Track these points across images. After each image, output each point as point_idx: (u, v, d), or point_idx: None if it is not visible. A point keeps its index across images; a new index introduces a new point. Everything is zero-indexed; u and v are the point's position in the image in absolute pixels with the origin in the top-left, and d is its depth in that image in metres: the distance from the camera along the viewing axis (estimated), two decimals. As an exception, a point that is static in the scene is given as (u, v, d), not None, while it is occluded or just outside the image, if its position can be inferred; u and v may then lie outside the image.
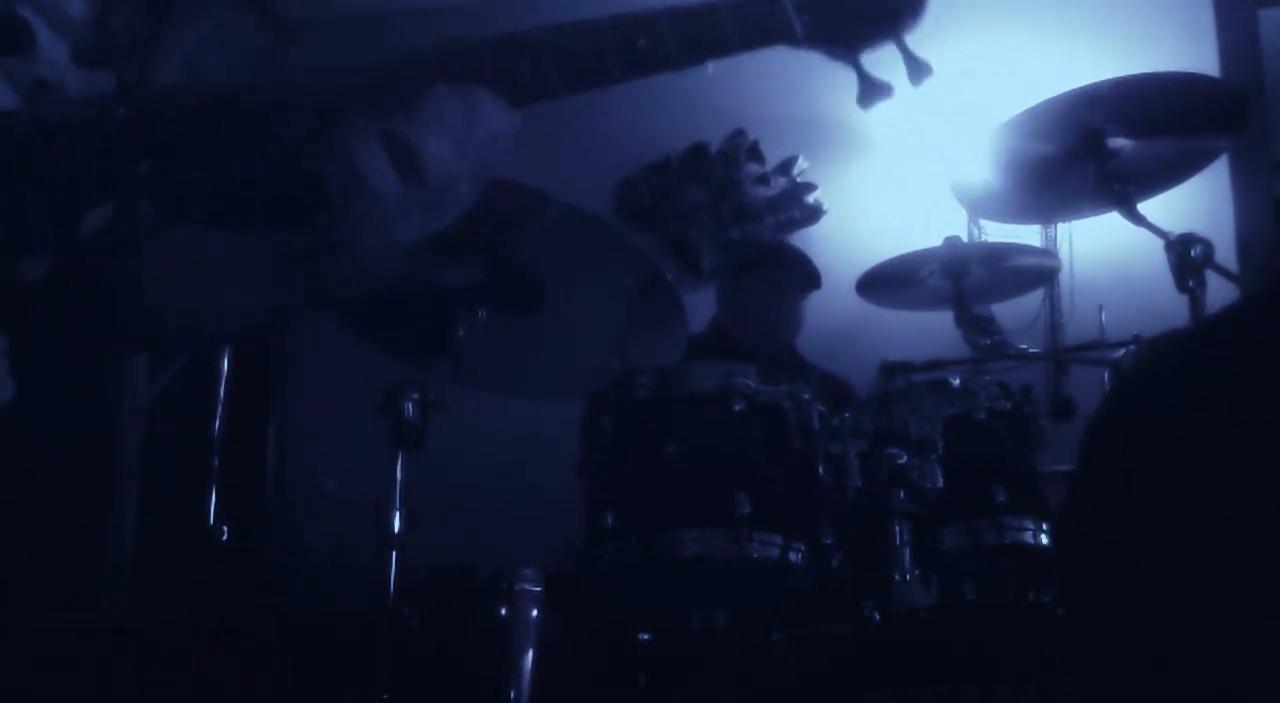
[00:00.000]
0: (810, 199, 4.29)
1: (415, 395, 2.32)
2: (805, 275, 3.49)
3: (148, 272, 1.05)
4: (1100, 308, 3.33)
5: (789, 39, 0.96)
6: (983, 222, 3.64)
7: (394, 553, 2.29)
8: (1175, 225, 2.43)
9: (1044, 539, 2.17)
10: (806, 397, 2.12)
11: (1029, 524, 2.16)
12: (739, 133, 4.36)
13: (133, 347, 1.24)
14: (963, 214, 3.55)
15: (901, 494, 2.11)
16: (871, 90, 1.00)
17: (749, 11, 0.95)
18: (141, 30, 1.09)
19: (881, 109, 1.03)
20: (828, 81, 4.17)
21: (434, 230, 0.97)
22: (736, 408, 2.06)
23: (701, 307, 3.52)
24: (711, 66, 0.96)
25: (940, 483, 2.12)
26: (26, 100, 0.98)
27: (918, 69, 1.00)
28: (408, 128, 0.91)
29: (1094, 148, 2.53)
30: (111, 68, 1.05)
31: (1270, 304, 0.73)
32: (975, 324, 2.57)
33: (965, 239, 3.12)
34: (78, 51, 1.03)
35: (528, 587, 2.23)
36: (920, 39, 1.02)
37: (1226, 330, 0.75)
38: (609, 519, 2.04)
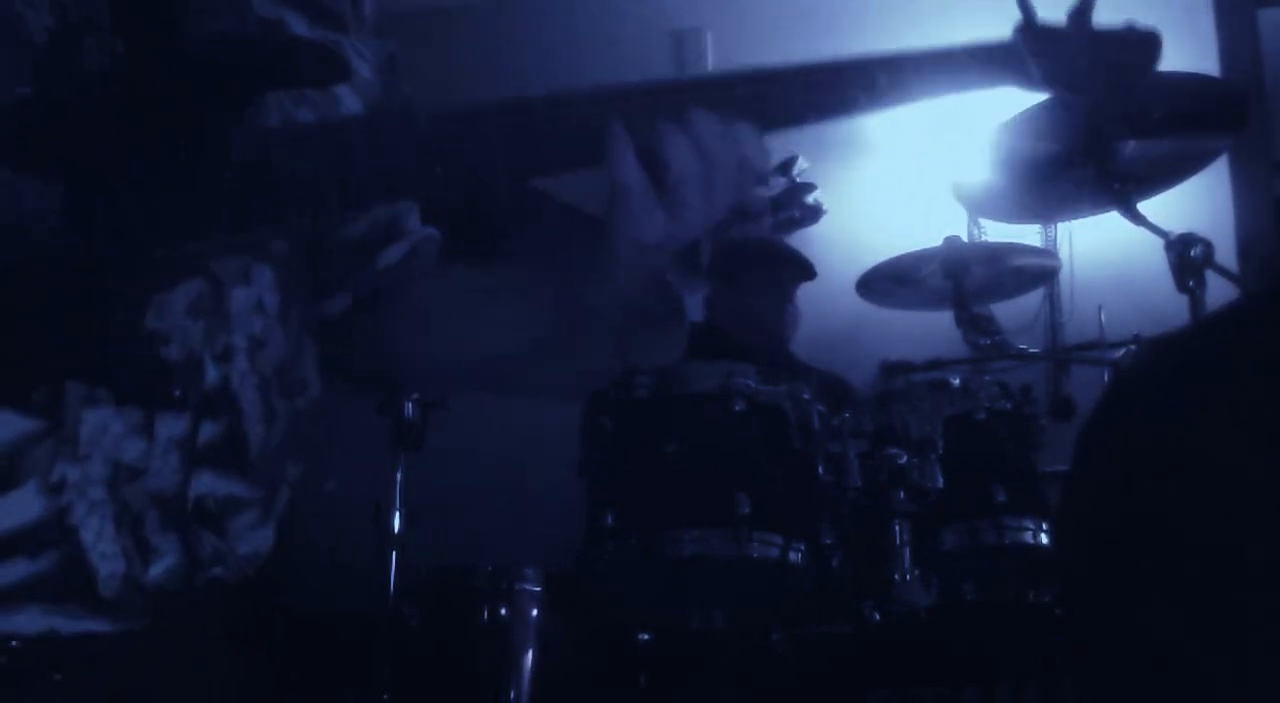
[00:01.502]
0: (810, 199, 4.28)
1: (415, 395, 2.32)
2: (797, 267, 3.47)
3: (429, 308, 1.12)
4: (1100, 308, 3.33)
5: (1024, 82, 1.04)
6: (983, 222, 3.64)
7: (394, 553, 2.29)
8: (1175, 225, 2.43)
9: (1044, 539, 2.16)
10: (806, 397, 2.12)
11: (1029, 524, 2.16)
12: (739, 133, 4.35)
13: (413, 384, 1.30)
14: (963, 214, 3.55)
15: (901, 494, 2.11)
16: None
17: (989, 53, 1.03)
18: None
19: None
20: (828, 81, 4.18)
21: (677, 243, 1.02)
22: (736, 408, 2.06)
23: (701, 306, 3.52)
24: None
25: (940, 483, 2.12)
26: None
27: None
28: (658, 134, 0.95)
29: (1094, 148, 2.53)
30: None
31: (1270, 304, 0.73)
32: (975, 324, 2.57)
33: (965, 239, 3.12)
34: (368, 105, 1.08)
35: (528, 587, 2.23)
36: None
37: (1226, 330, 0.75)
38: (609, 519, 2.04)
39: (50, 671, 0.88)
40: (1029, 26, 1.02)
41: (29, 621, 0.86)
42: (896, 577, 2.09)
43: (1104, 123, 2.38)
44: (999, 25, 1.06)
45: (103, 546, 0.89)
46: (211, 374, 0.96)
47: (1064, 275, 3.55)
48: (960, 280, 2.65)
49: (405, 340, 1.14)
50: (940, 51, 1.02)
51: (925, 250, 2.75)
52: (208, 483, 0.97)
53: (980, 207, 3.05)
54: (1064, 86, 1.03)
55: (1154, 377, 0.76)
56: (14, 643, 0.86)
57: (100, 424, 0.89)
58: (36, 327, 0.87)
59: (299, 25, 1.04)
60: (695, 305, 2.95)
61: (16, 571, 0.85)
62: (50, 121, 0.88)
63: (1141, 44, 1.04)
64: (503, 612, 2.20)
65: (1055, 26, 1.03)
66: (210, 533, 0.98)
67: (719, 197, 0.99)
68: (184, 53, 0.91)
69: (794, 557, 2.01)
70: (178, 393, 0.93)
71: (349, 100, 1.06)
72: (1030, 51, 1.02)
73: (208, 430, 0.96)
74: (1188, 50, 3.90)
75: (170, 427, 0.93)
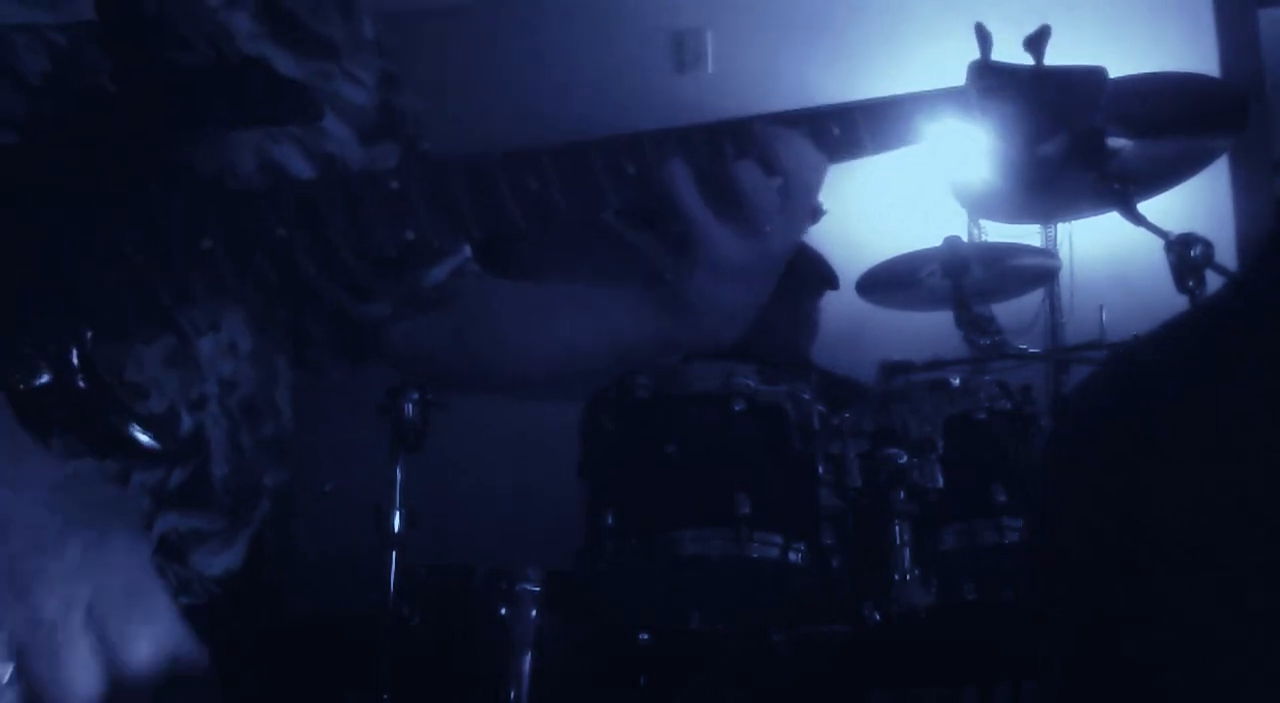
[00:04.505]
0: (810, 199, 4.28)
1: (415, 395, 2.32)
2: (816, 275, 3.43)
3: (508, 315, 1.13)
4: (1100, 308, 3.32)
5: (972, 119, 1.01)
6: (983, 222, 3.64)
7: (394, 553, 2.29)
8: (1175, 225, 2.43)
9: (1044, 539, 2.16)
10: (806, 397, 2.12)
11: (1029, 524, 2.16)
12: (739, 133, 4.36)
13: (497, 388, 1.29)
14: (963, 214, 3.55)
15: (901, 494, 2.11)
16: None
17: (935, 103, 1.01)
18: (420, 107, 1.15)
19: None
20: (828, 81, 4.18)
21: (771, 265, 1.01)
22: (736, 408, 2.06)
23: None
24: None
25: (940, 483, 2.12)
26: (319, 171, 1.04)
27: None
28: (726, 166, 0.95)
29: (1094, 148, 2.53)
30: (397, 141, 1.10)
31: (1262, 297, 0.73)
32: (975, 324, 2.57)
33: (965, 239, 3.12)
34: (363, 131, 1.08)
35: (528, 587, 2.23)
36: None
37: (1215, 326, 0.75)
38: (609, 519, 2.04)
39: None
40: (984, 64, 1.01)
41: None
42: (896, 577, 2.08)
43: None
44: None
45: None
46: (186, 423, 0.99)
47: (1064, 275, 3.55)
48: (960, 280, 2.65)
49: (486, 342, 1.13)
50: (889, 100, 1.02)
51: (925, 250, 2.75)
52: (172, 521, 1.00)
53: (980, 207, 3.05)
54: (1011, 127, 1.01)
55: (1136, 370, 0.76)
56: None
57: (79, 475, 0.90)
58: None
59: (285, 63, 1.04)
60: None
61: None
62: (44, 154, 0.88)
63: (1085, 82, 1.02)
64: (502, 612, 2.20)
65: (1010, 65, 1.02)
66: (175, 564, 1.01)
67: (798, 212, 0.99)
68: (157, 81, 0.92)
69: (794, 557, 2.01)
70: (156, 445, 0.95)
71: (336, 130, 1.06)
72: (982, 89, 1.00)
73: (177, 477, 0.99)
74: (1188, 50, 3.90)
75: (144, 476, 0.96)
